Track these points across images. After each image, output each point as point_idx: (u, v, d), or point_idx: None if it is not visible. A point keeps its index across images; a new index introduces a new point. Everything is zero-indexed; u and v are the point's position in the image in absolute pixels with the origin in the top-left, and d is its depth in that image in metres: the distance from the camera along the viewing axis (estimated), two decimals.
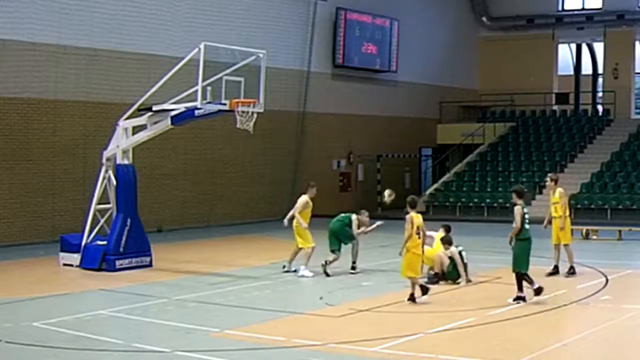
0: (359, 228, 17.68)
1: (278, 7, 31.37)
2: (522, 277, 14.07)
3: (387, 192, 17.54)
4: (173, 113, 18.52)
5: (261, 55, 18.73)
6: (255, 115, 18.02)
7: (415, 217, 14.19)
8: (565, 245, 17.26)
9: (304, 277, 17.24)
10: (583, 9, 39.85)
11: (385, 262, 18.76)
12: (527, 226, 14.13)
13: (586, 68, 43.74)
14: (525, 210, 14.14)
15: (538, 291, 14.10)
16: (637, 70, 40.13)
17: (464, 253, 16.60)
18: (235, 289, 15.49)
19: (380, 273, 17.81)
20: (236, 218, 29.61)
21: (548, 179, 18.42)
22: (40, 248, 22.28)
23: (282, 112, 30.42)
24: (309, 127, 33.15)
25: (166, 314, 13.62)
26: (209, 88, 17.71)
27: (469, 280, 16.28)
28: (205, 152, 29.12)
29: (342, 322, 13.14)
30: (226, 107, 17.85)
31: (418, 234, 14.13)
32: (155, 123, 18.91)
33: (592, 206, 31.27)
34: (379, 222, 17.90)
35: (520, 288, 14.04)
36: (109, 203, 19.51)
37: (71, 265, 18.93)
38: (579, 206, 31.35)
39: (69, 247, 19.21)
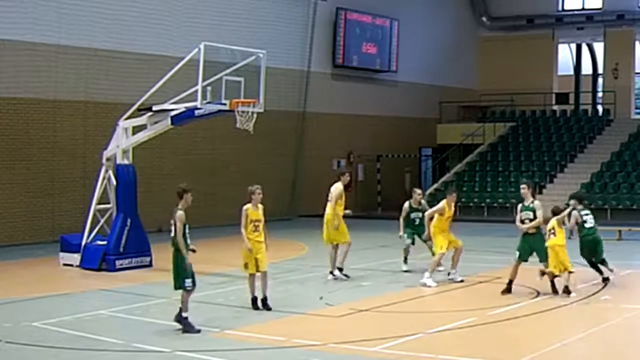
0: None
1: (278, 7, 31.37)
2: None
3: None
4: (173, 113, 18.52)
5: (261, 55, 18.73)
6: (255, 115, 18.03)
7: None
8: None
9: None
10: (583, 9, 39.86)
11: (385, 262, 18.75)
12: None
13: (586, 68, 43.73)
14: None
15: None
16: (637, 70, 40.15)
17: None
18: (235, 289, 15.48)
19: (380, 273, 17.80)
20: (236, 218, 29.40)
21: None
22: (40, 248, 22.28)
23: (282, 112, 30.41)
24: (309, 127, 33.16)
25: (166, 314, 13.59)
26: (209, 88, 17.71)
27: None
28: (205, 152, 29.12)
29: (342, 322, 13.14)
30: (226, 107, 17.86)
31: None
32: (155, 123, 18.92)
33: (592, 206, 31.01)
34: None
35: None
36: (109, 203, 19.52)
37: (71, 265, 18.94)
38: None
39: (69, 247, 19.21)
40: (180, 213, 12.54)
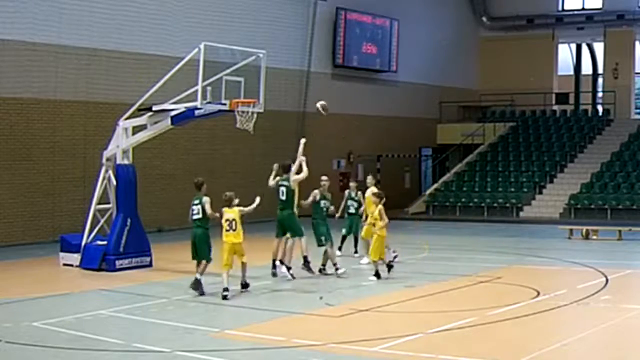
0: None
1: (278, 7, 31.37)
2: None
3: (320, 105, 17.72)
4: (173, 113, 18.52)
5: (261, 55, 18.73)
6: (255, 115, 18.02)
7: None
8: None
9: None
10: (583, 9, 39.88)
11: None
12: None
13: (586, 68, 43.76)
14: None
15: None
16: (637, 70, 40.16)
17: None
18: (235, 288, 15.48)
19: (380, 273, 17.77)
20: None
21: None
22: (40, 248, 22.28)
23: (282, 112, 30.42)
24: (309, 127, 33.14)
25: (166, 314, 13.61)
26: (209, 88, 17.70)
27: None
28: (205, 152, 29.12)
29: (342, 322, 13.14)
30: (226, 107, 17.85)
31: None
32: (155, 123, 18.92)
33: (592, 206, 31.27)
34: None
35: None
36: (109, 203, 19.51)
37: (71, 265, 18.93)
38: (579, 206, 31.39)
39: (69, 247, 19.20)
40: None
